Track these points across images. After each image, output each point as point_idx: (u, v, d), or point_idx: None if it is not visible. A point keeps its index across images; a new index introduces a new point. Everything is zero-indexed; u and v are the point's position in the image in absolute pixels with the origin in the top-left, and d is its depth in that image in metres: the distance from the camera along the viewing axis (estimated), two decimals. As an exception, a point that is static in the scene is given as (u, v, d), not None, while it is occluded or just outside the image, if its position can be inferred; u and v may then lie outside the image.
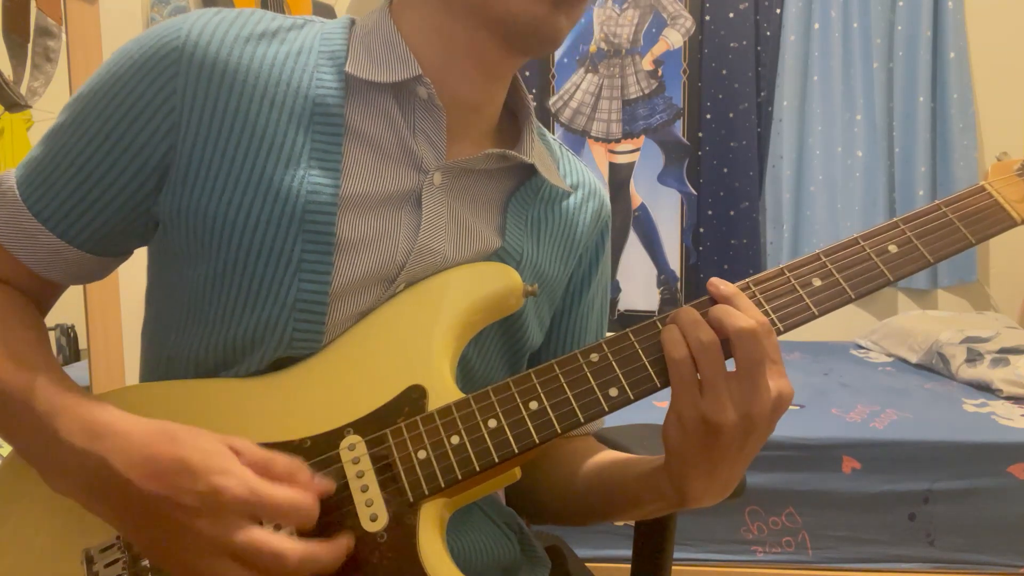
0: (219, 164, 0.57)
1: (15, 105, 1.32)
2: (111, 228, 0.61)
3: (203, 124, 0.57)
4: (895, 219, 0.60)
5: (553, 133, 0.73)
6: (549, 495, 0.74)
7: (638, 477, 0.63)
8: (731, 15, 2.79)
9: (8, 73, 1.31)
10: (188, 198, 0.58)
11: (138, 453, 0.49)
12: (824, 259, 0.58)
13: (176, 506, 0.48)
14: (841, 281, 0.58)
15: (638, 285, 2.90)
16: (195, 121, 0.57)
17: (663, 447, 0.59)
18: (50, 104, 1.39)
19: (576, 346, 0.76)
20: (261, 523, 0.49)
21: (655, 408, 2.04)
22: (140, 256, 0.66)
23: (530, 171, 0.68)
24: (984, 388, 2.02)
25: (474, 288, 0.61)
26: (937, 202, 0.60)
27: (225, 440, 0.51)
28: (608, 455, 0.71)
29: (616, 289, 2.90)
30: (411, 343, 0.59)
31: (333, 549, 0.50)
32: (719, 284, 0.57)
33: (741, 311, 0.54)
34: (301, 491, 0.50)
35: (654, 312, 2.89)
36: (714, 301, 0.57)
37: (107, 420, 0.52)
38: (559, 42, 0.60)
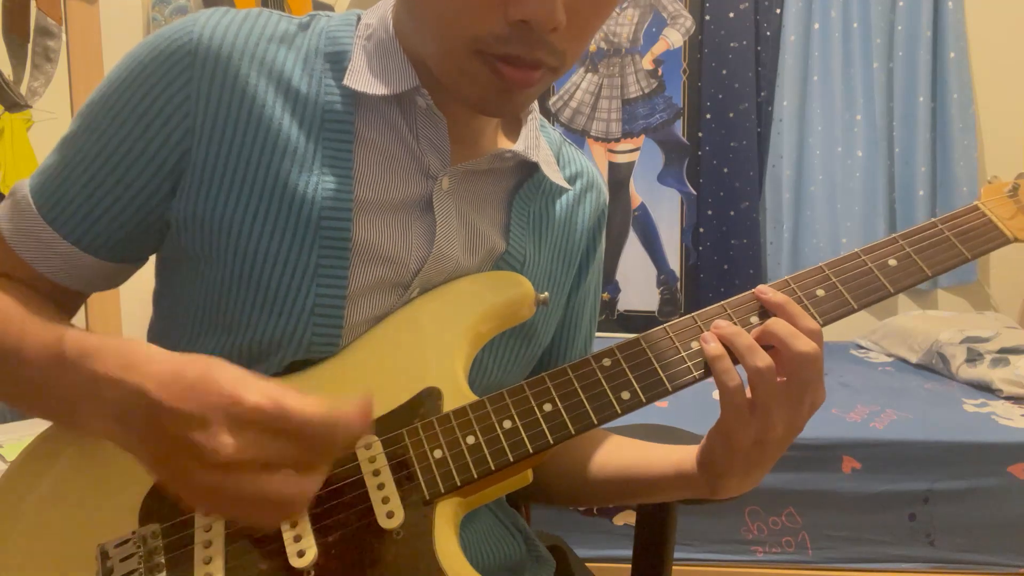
0: (234, 169, 0.57)
1: (15, 105, 1.32)
2: (126, 234, 0.60)
3: (217, 128, 0.57)
4: (894, 235, 0.63)
5: (554, 133, 0.76)
6: (560, 478, 0.75)
7: (668, 472, 0.66)
8: (731, 15, 2.79)
9: (8, 73, 1.31)
10: (203, 203, 0.57)
11: (169, 374, 0.47)
12: (827, 271, 0.61)
13: (200, 421, 0.44)
14: (844, 293, 0.60)
15: (638, 285, 2.90)
16: (209, 125, 0.57)
17: (700, 454, 0.62)
18: (50, 104, 1.39)
19: (573, 332, 0.78)
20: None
21: (655, 408, 2.04)
22: (141, 256, 0.66)
23: (533, 166, 0.68)
24: (984, 388, 2.02)
25: (488, 297, 0.62)
26: (934, 220, 0.63)
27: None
28: (629, 447, 0.73)
29: (616, 289, 2.90)
30: (426, 347, 0.60)
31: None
32: (768, 291, 0.59)
33: (793, 319, 0.56)
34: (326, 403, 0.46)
35: (654, 312, 2.89)
36: (761, 309, 0.59)
37: (144, 352, 0.50)
38: (514, 114, 0.61)
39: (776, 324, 0.56)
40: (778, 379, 0.55)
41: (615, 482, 0.71)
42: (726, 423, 0.57)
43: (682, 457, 0.65)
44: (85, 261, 0.60)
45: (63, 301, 0.64)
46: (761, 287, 0.59)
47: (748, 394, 0.56)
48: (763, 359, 0.55)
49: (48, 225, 0.59)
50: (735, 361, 0.56)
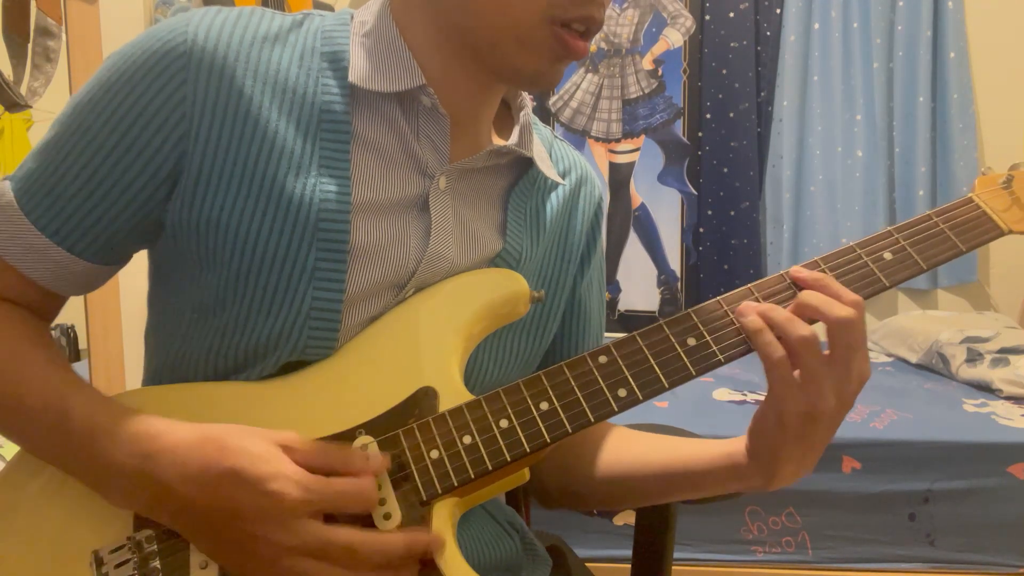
0: (230, 172, 0.57)
1: (15, 105, 1.32)
2: (120, 238, 0.60)
3: (213, 131, 0.56)
4: (889, 228, 0.62)
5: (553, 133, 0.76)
6: (581, 478, 0.73)
7: (717, 464, 0.64)
8: (731, 15, 2.79)
9: (8, 73, 1.31)
10: (199, 207, 0.57)
11: (191, 467, 0.50)
12: (822, 265, 0.60)
13: (236, 516, 0.49)
14: None
15: (638, 285, 2.90)
16: (205, 128, 0.56)
17: (750, 440, 0.60)
18: (50, 104, 1.38)
19: (584, 325, 0.77)
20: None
21: (656, 408, 2.04)
22: (139, 257, 0.66)
23: (528, 163, 0.68)
24: (984, 388, 2.02)
25: (482, 294, 0.62)
26: (929, 212, 0.63)
27: (274, 438, 0.51)
28: (665, 439, 0.71)
29: (616, 289, 2.90)
30: (422, 346, 0.59)
31: (401, 538, 0.51)
32: (802, 271, 0.59)
33: (836, 294, 0.56)
34: (355, 479, 0.51)
35: (654, 312, 2.89)
36: (792, 285, 0.59)
37: (153, 434, 0.52)
38: (556, 85, 0.62)
39: (809, 296, 0.56)
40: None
41: (660, 479, 0.68)
42: (776, 398, 0.56)
43: (733, 447, 0.63)
44: (76, 266, 0.60)
45: (46, 306, 0.63)
46: (795, 268, 0.59)
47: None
48: (805, 328, 0.55)
49: (40, 232, 0.58)
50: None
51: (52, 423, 0.54)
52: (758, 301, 0.58)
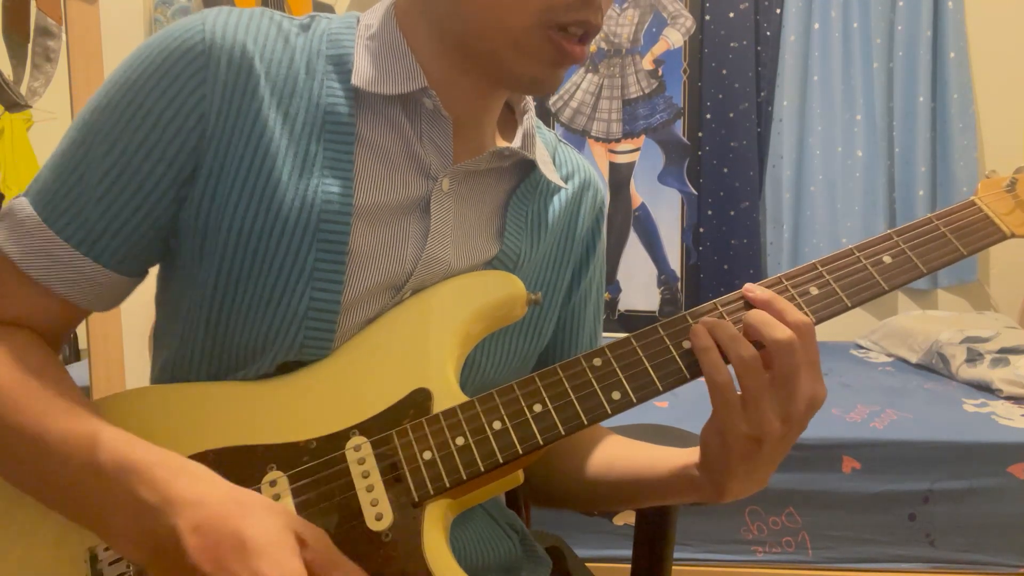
0: (236, 172, 0.57)
1: (15, 105, 1.32)
2: (144, 245, 0.59)
3: (226, 131, 0.57)
4: (889, 231, 0.62)
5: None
6: (562, 478, 0.75)
7: (674, 474, 0.64)
8: (731, 15, 2.79)
9: (8, 73, 1.31)
10: (208, 206, 0.57)
11: (206, 521, 0.46)
12: (820, 269, 0.60)
13: (220, 571, 0.45)
14: (838, 290, 0.59)
15: (638, 285, 2.90)
16: (220, 128, 0.56)
17: (700, 454, 0.60)
18: (50, 104, 1.38)
19: (576, 330, 0.77)
20: None
21: (655, 408, 2.04)
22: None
23: (530, 166, 0.68)
24: (984, 388, 2.02)
25: (479, 296, 0.61)
26: (930, 215, 0.62)
27: (294, 524, 0.48)
28: (636, 449, 0.72)
29: (616, 289, 2.90)
30: (417, 348, 0.59)
31: None
32: (755, 289, 0.58)
33: (780, 314, 0.55)
34: None
35: (655, 312, 2.89)
36: (747, 303, 0.58)
37: (186, 478, 0.48)
38: (556, 90, 0.62)
39: (753, 315, 0.56)
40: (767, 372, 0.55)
41: (622, 485, 0.70)
42: (719, 419, 0.56)
43: (687, 459, 0.64)
44: (103, 278, 0.58)
45: (65, 324, 0.61)
46: (748, 285, 0.59)
47: (738, 390, 0.56)
48: (747, 349, 0.55)
49: (65, 243, 0.56)
50: (726, 360, 0.56)
51: (79, 458, 0.50)
52: (721, 316, 0.58)
